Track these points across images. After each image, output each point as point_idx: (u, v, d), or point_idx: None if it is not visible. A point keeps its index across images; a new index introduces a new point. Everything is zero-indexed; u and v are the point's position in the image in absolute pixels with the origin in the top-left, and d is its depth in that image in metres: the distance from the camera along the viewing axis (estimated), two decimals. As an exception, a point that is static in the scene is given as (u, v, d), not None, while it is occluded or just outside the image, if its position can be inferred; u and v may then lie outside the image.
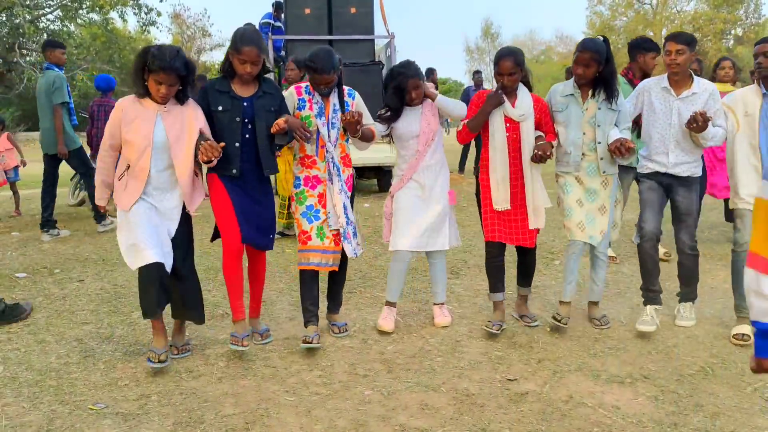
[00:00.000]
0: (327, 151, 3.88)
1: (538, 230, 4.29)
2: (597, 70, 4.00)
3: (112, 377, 3.61)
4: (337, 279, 4.28)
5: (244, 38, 3.61)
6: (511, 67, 4.00)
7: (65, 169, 7.65)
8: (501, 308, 4.34)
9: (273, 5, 10.88)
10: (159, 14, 24.20)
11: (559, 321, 4.21)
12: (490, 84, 35.89)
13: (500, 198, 4.16)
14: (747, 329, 4.02)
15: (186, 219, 3.76)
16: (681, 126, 4.07)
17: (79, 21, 23.19)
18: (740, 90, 4.26)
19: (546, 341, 4.16)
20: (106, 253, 6.39)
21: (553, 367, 3.77)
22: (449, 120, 4.82)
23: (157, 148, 3.53)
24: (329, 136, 3.88)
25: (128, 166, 3.60)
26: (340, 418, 3.17)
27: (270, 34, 9.63)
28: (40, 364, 3.78)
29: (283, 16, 10.30)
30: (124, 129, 3.51)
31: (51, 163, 7.28)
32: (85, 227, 7.80)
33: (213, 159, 3.47)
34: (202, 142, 3.49)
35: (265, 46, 3.80)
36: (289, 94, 3.94)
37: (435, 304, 4.51)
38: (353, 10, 9.67)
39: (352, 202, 4.13)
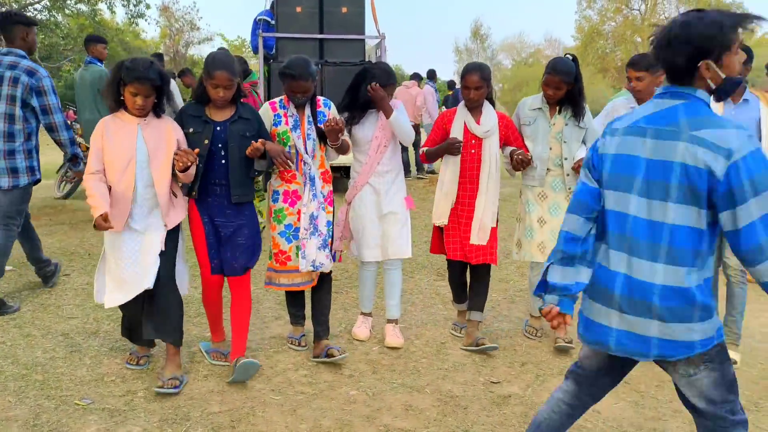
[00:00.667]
0: (305, 163, 3.80)
1: (494, 244, 4.16)
2: (567, 90, 4.02)
3: (98, 373, 3.62)
4: (322, 299, 3.98)
5: (215, 63, 3.52)
6: (478, 81, 4.00)
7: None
8: (464, 314, 4.40)
9: (272, 3, 10.80)
10: (148, 6, 24.09)
11: (533, 336, 4.28)
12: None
13: (440, 213, 4.14)
14: (735, 356, 4.00)
15: (173, 231, 3.60)
16: None
17: (66, 11, 23.00)
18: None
19: (529, 345, 4.21)
20: (92, 248, 6.38)
21: (535, 370, 3.83)
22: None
23: (141, 161, 3.44)
24: (306, 148, 3.80)
25: (109, 189, 3.44)
26: (325, 418, 3.21)
27: (260, 31, 9.59)
28: (26, 359, 3.78)
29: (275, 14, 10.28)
30: (106, 146, 3.42)
31: None
32: (70, 220, 7.77)
33: (190, 165, 3.40)
34: (176, 151, 3.45)
35: (238, 69, 3.62)
36: (265, 111, 3.85)
37: (388, 320, 4.32)
38: (344, 9, 9.66)
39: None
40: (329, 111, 3.92)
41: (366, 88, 3.98)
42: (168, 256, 3.53)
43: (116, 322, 4.38)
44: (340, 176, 8.87)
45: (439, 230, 4.24)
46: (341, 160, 4.53)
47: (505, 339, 4.29)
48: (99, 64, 7.42)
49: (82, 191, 9.58)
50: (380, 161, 4.09)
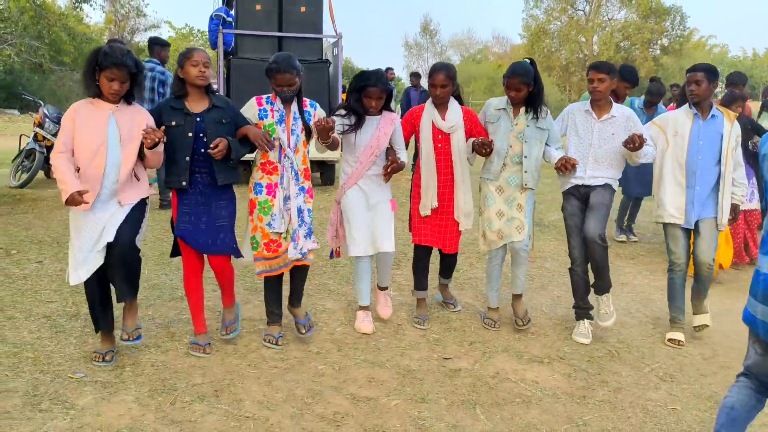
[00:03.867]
0: (286, 157, 4.07)
1: (460, 234, 4.72)
2: (528, 91, 4.43)
3: (85, 350, 3.93)
4: (302, 275, 4.33)
5: (189, 48, 3.95)
6: (444, 79, 4.43)
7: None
8: (424, 305, 4.82)
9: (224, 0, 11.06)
10: (93, -9, 23.64)
11: (491, 326, 4.67)
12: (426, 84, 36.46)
13: (426, 204, 4.57)
14: (680, 336, 4.57)
15: (139, 205, 3.83)
16: (600, 146, 4.53)
17: (6, -7, 22.46)
18: (672, 111, 4.81)
19: (477, 326, 4.69)
20: (59, 236, 6.59)
21: (482, 348, 4.31)
22: None
23: (112, 146, 3.66)
24: (288, 143, 4.09)
25: (78, 169, 3.65)
26: (297, 388, 3.61)
27: (221, 27, 9.84)
28: (13, 338, 4.06)
29: (233, 11, 10.52)
30: (77, 130, 3.63)
31: None
32: (32, 209, 7.92)
33: (159, 142, 3.64)
34: (145, 129, 3.67)
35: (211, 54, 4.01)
36: (250, 105, 4.14)
37: (379, 287, 4.75)
38: (303, 9, 9.99)
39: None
40: (315, 111, 4.22)
41: (360, 101, 4.32)
42: (131, 224, 3.72)
43: (95, 305, 4.67)
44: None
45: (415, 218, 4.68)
46: (313, 154, 4.77)
47: (455, 321, 4.75)
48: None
49: (38, 181, 9.71)
50: (370, 167, 4.42)
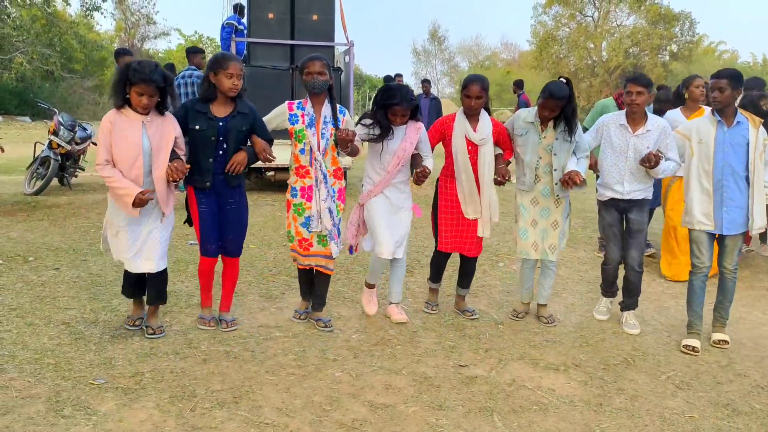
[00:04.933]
0: (315, 160, 4.27)
1: (482, 239, 4.84)
2: (561, 110, 4.46)
3: (104, 357, 3.97)
4: (325, 281, 4.65)
5: (226, 57, 4.12)
6: (479, 90, 4.50)
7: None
8: (436, 293, 5.06)
9: (235, 7, 11.14)
10: (104, -1, 23.85)
11: (516, 317, 4.86)
12: (437, 91, 36.58)
13: (469, 210, 4.69)
14: (696, 342, 4.56)
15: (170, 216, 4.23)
16: (636, 159, 4.58)
17: (18, 1, 22.64)
18: (696, 119, 4.84)
19: (492, 334, 4.71)
20: (75, 243, 6.65)
21: (498, 355, 4.32)
22: None
23: (145, 155, 3.94)
24: (318, 146, 4.27)
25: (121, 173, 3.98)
26: (316, 395, 3.64)
27: (233, 35, 9.93)
28: (34, 345, 4.10)
29: (245, 19, 10.60)
30: (114, 140, 3.89)
31: None
32: (48, 216, 7.99)
33: (178, 179, 3.98)
34: (170, 163, 3.95)
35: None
36: (281, 110, 4.36)
37: (392, 303, 4.88)
38: (315, 17, 10.06)
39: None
40: (344, 117, 4.37)
41: (387, 114, 4.40)
42: (166, 237, 4.21)
43: (113, 312, 4.72)
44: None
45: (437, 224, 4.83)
46: None
47: (470, 329, 4.77)
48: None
49: (53, 188, 9.79)
50: (396, 176, 4.53)
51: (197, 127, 4.10)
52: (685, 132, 4.67)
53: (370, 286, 4.93)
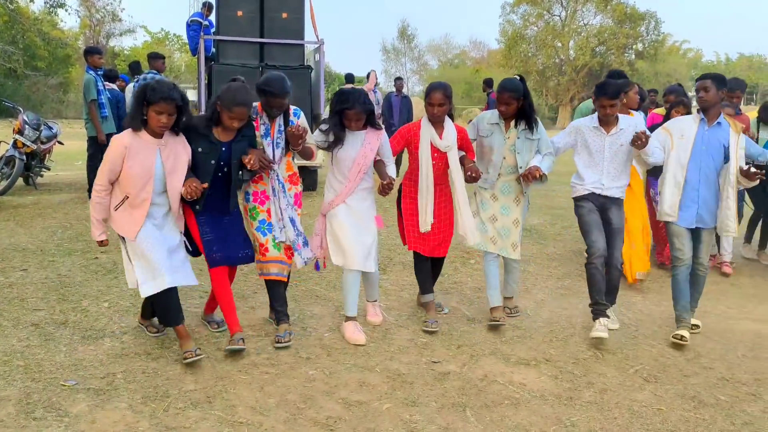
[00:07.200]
0: (271, 170, 4.21)
1: (450, 240, 4.85)
2: (517, 105, 4.56)
3: (75, 358, 3.93)
4: (279, 292, 4.45)
5: (236, 100, 3.88)
6: (441, 98, 4.52)
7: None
8: (432, 307, 4.87)
9: (204, 5, 11.05)
10: (68, -6, 23.41)
11: (497, 323, 4.73)
12: (407, 89, 36.64)
13: (425, 221, 4.64)
14: (686, 333, 4.64)
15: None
16: (612, 158, 4.66)
17: (-22, -2, 22.16)
18: (682, 117, 5.05)
19: (464, 330, 4.76)
20: (43, 244, 6.56)
21: (470, 351, 4.37)
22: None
23: (157, 179, 3.87)
24: (273, 155, 4.22)
25: (126, 197, 3.88)
26: (290, 393, 3.65)
27: (202, 33, 9.84)
28: (3, 347, 4.04)
29: (213, 16, 10.52)
30: (128, 163, 3.79)
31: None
32: (14, 217, 7.86)
33: (195, 197, 3.92)
34: (188, 180, 3.90)
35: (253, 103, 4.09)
36: None
37: (368, 301, 4.87)
38: (285, 15, 10.01)
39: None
40: (298, 120, 4.32)
41: (341, 119, 4.32)
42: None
43: (82, 313, 4.67)
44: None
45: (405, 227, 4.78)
46: (302, 161, 4.83)
47: (442, 325, 4.81)
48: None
49: (18, 188, 9.63)
50: (358, 184, 4.44)
51: (200, 149, 4.01)
52: (669, 128, 4.82)
53: (351, 319, 4.55)
